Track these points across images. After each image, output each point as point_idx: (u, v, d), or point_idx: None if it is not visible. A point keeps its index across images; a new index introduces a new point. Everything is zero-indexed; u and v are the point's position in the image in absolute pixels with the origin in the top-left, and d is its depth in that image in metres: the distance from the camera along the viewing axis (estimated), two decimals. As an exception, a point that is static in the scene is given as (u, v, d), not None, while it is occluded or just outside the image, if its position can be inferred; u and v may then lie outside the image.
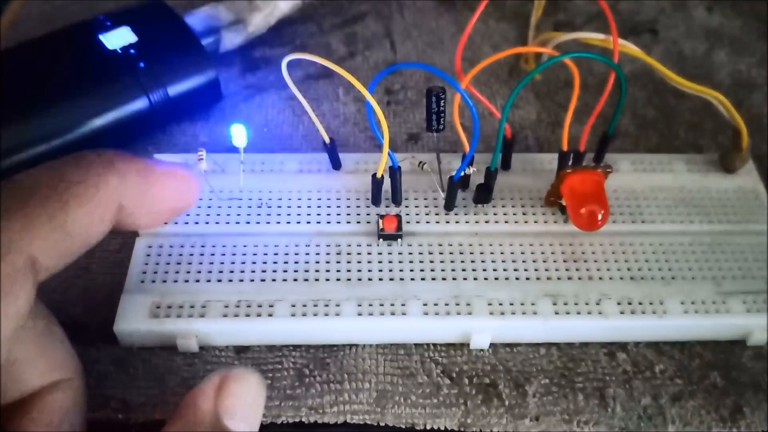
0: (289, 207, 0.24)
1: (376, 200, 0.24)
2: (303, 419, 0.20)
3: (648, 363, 0.22)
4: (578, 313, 0.22)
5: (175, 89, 0.26)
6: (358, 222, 0.24)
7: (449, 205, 0.24)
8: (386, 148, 0.22)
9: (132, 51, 0.26)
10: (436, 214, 0.24)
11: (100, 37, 0.26)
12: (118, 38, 0.27)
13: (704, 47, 0.33)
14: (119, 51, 0.26)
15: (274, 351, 0.22)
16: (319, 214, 0.24)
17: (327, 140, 0.24)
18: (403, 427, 0.20)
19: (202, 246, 0.23)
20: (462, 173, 0.23)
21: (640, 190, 0.25)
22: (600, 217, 0.22)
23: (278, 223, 0.23)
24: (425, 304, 0.22)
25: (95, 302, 0.22)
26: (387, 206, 0.24)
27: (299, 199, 0.24)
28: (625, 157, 0.26)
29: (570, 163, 0.24)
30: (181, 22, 0.28)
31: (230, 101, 0.29)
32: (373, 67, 0.31)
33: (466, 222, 0.24)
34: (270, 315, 0.21)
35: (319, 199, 0.24)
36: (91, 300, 0.23)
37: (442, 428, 0.20)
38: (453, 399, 0.21)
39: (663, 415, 0.21)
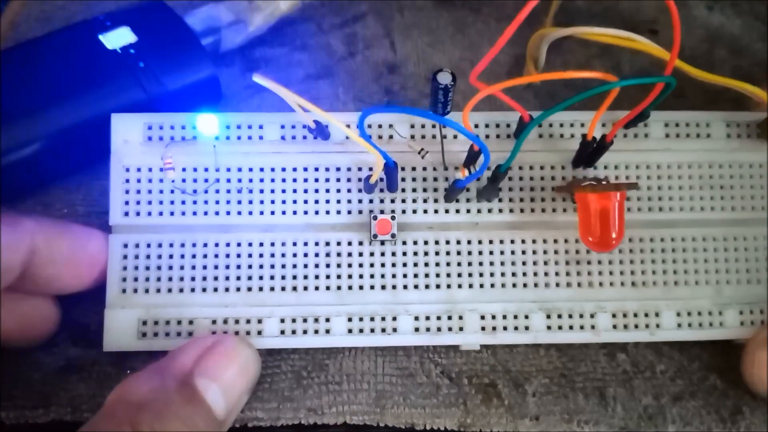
0: (273, 192, 0.23)
1: (369, 189, 0.23)
2: (302, 421, 0.20)
3: (648, 363, 0.22)
4: (570, 327, 0.21)
5: (175, 89, 0.26)
6: (349, 212, 0.23)
7: (449, 198, 0.23)
8: (379, 165, 0.21)
9: (132, 51, 0.26)
10: (435, 201, 0.23)
11: (100, 37, 0.26)
12: (118, 38, 0.26)
13: (704, 47, 0.33)
14: (119, 51, 0.26)
15: (273, 354, 0.22)
16: (306, 202, 0.23)
17: (312, 126, 0.23)
18: (403, 427, 0.20)
19: (182, 246, 0.22)
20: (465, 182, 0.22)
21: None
22: (613, 241, 0.21)
23: (261, 213, 0.23)
24: (416, 319, 0.22)
25: (95, 302, 0.22)
26: (381, 190, 0.23)
27: (284, 181, 0.23)
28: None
29: (590, 152, 0.23)
30: (181, 22, 0.28)
31: (230, 101, 0.29)
32: (372, 67, 0.31)
33: (467, 211, 0.23)
34: (259, 333, 0.21)
35: (306, 187, 0.23)
36: (91, 300, 0.23)
37: (442, 428, 0.20)
38: (453, 399, 0.21)
39: (663, 414, 0.21)
